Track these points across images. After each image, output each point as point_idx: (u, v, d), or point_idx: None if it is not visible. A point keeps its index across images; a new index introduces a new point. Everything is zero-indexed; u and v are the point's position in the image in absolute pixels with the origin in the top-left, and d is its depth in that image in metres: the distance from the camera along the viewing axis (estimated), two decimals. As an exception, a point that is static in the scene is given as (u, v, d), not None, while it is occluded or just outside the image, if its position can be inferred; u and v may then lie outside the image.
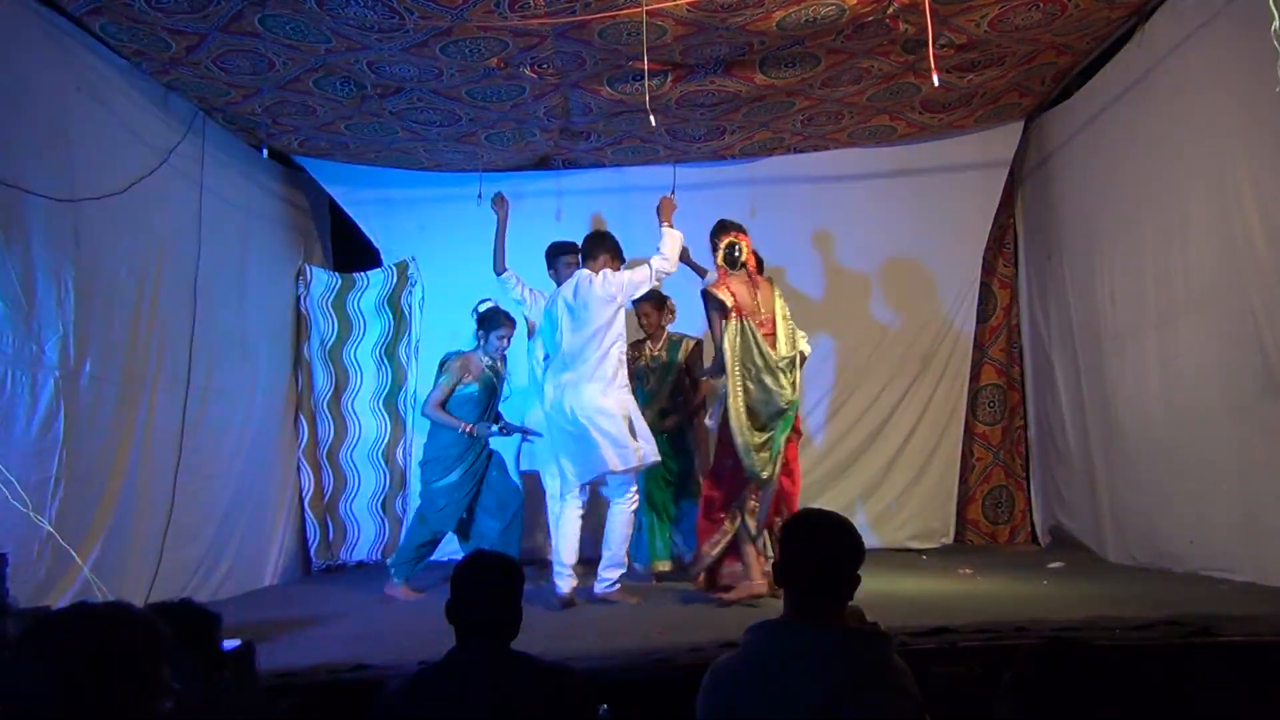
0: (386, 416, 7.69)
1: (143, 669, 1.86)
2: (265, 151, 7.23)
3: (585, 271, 5.77)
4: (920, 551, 7.30)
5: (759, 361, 5.46)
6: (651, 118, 5.65)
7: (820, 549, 2.47)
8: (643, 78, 5.52)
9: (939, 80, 5.13)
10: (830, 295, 7.58)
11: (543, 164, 7.79)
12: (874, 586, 5.43)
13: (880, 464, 7.62)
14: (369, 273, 7.83)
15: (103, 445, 5.20)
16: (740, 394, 5.44)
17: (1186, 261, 5.54)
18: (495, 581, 2.60)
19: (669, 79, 6.05)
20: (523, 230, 7.39)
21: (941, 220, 7.66)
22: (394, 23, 5.14)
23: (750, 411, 5.44)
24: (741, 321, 5.48)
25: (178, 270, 5.99)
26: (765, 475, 5.44)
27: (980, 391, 7.92)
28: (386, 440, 7.70)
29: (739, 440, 5.41)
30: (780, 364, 5.49)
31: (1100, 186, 6.53)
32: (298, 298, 7.66)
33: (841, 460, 7.64)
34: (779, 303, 5.65)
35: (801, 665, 2.30)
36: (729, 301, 5.48)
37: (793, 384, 5.54)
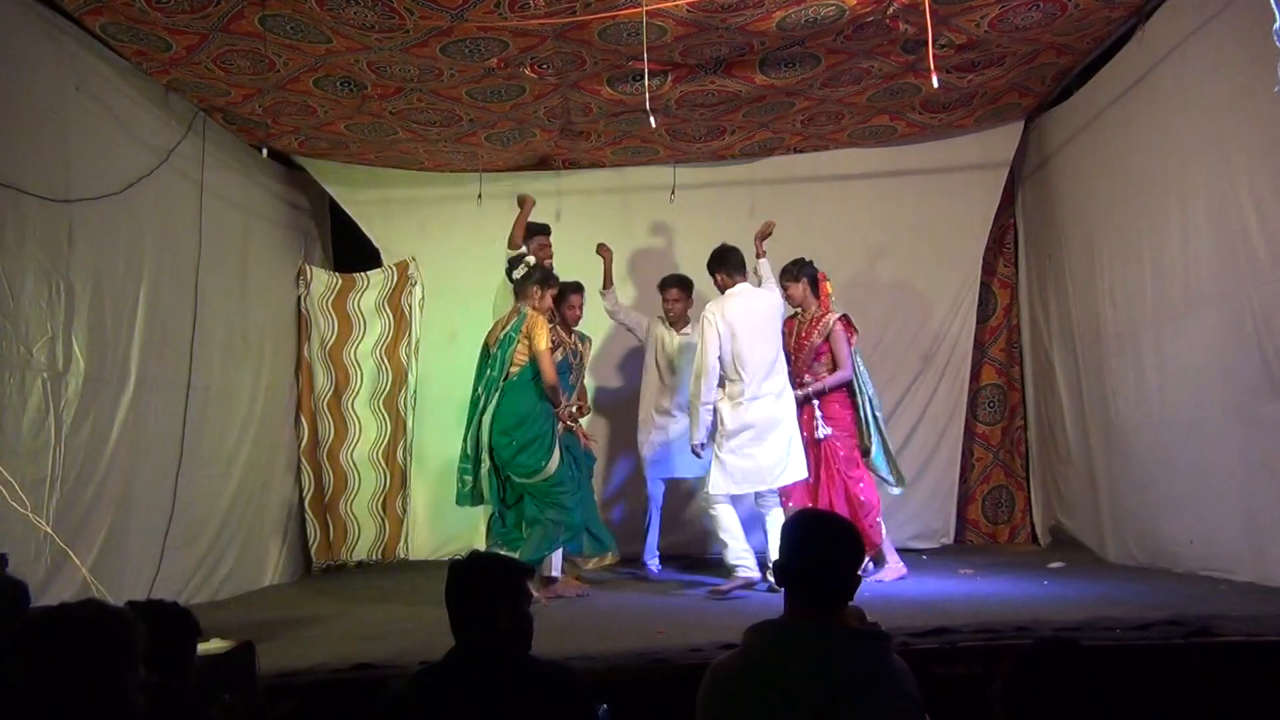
0: (386, 416, 7.68)
1: (108, 668, 1.86)
2: (265, 151, 7.19)
3: (748, 286, 5.97)
4: (920, 551, 7.27)
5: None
6: (651, 118, 5.63)
7: (820, 549, 2.45)
8: (643, 78, 5.50)
9: (939, 81, 5.15)
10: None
11: (543, 164, 7.77)
12: (874, 586, 5.50)
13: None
14: (369, 273, 7.83)
15: (100, 446, 5.18)
16: (871, 408, 6.18)
17: (1186, 261, 5.53)
18: (490, 586, 2.54)
19: (669, 79, 6.04)
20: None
21: (941, 220, 7.66)
22: (394, 23, 5.13)
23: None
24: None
25: (178, 270, 5.98)
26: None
27: (980, 391, 7.92)
28: (386, 440, 7.68)
29: (890, 447, 6.28)
30: None
31: (1100, 186, 6.52)
32: (298, 298, 7.65)
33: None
34: None
35: (801, 665, 2.28)
36: None
37: None
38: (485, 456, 5.77)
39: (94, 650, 1.85)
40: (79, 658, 1.83)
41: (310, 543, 7.54)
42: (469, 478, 5.86)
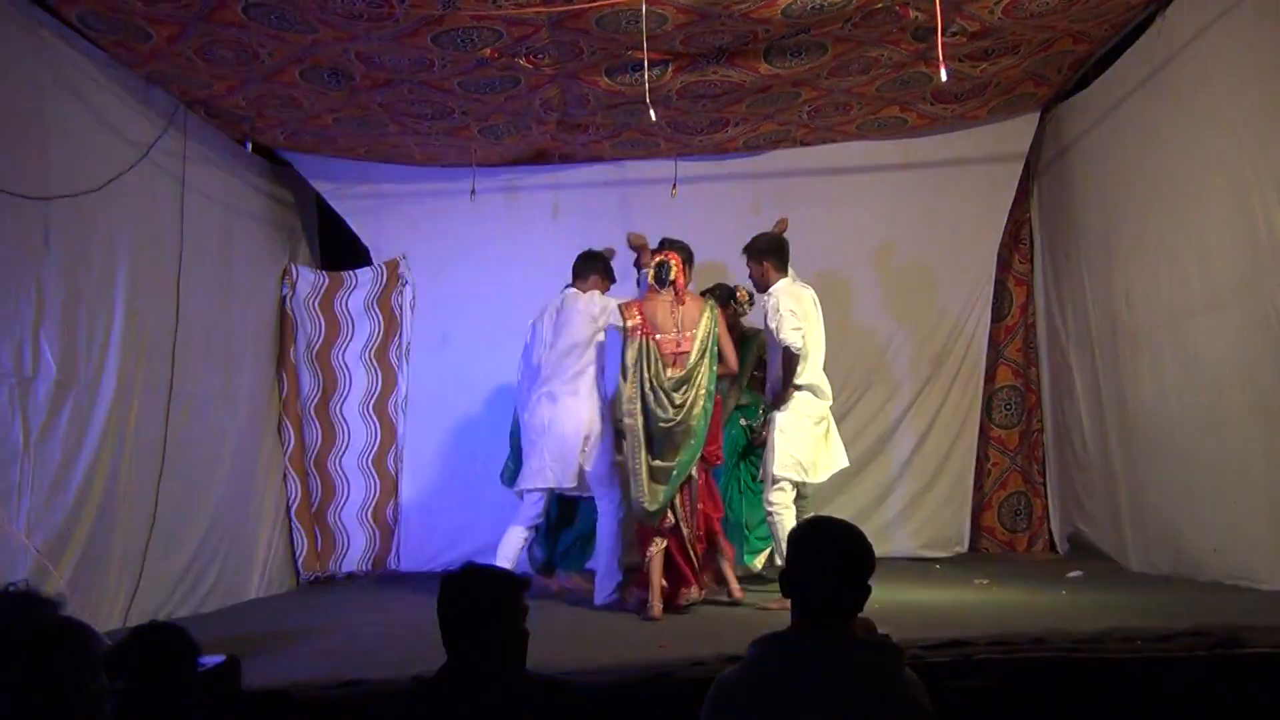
0: (376, 421, 7.62)
1: (67, 680, 1.84)
2: (249, 146, 7.14)
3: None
4: (934, 561, 7.22)
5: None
6: (651, 110, 5.58)
7: (829, 558, 2.41)
8: (642, 68, 5.44)
9: (951, 70, 5.15)
10: (838, 294, 7.44)
11: (539, 158, 7.69)
12: (886, 597, 5.33)
13: (892, 470, 7.50)
14: (357, 272, 7.75)
15: (75, 453, 5.08)
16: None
17: (1206, 257, 5.47)
18: (483, 600, 2.50)
19: (670, 69, 5.97)
20: (519, 226, 7.30)
21: (954, 216, 7.54)
22: (383, 11, 5.08)
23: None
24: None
25: (158, 270, 5.91)
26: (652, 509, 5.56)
27: (996, 393, 7.79)
28: (376, 446, 7.61)
29: None
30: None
31: (1119, 180, 6.44)
32: (283, 298, 7.55)
33: (851, 466, 7.46)
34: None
35: (809, 679, 2.26)
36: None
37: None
38: None
39: (52, 661, 1.83)
40: (38, 670, 1.82)
41: (298, 553, 7.43)
42: None
